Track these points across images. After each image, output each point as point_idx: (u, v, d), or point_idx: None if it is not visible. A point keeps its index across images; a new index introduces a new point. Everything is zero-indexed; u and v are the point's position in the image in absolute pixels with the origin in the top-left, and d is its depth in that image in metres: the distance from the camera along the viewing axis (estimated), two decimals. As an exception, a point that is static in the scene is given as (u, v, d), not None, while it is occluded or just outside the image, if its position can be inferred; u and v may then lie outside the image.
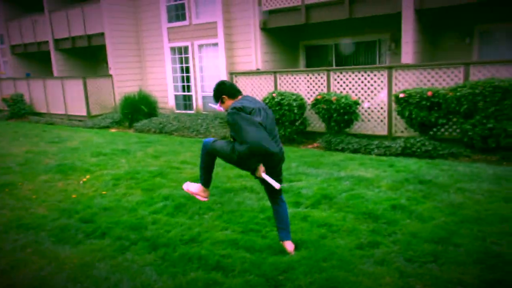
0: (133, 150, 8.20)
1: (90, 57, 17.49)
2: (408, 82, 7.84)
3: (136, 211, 4.81)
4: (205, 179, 4.02)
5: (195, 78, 13.32)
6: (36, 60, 18.91)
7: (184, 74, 13.69)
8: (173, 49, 13.73)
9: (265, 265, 3.41)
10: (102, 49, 15.44)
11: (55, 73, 16.80)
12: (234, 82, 10.35)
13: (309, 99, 8.97)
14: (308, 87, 9.18)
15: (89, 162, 7.29)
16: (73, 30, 15.71)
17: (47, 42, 16.80)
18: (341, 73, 8.67)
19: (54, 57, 16.72)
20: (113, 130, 12.00)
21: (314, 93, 9.04)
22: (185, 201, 5.01)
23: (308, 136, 9.13)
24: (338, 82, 8.71)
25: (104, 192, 5.58)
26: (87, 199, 5.30)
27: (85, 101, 13.91)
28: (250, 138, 3.20)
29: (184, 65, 13.59)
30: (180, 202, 4.97)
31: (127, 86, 14.38)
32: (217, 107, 3.70)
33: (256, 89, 10.05)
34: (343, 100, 7.96)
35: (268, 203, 4.74)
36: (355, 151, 7.55)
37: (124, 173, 6.45)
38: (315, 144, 8.60)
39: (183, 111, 13.72)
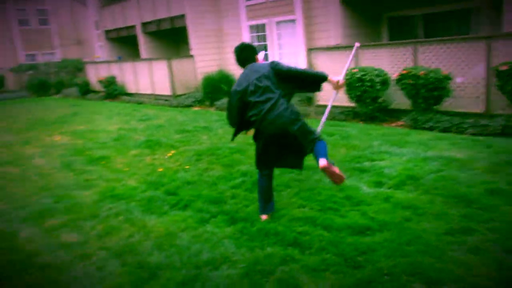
0: (214, 127, 8.45)
1: (173, 39, 18.23)
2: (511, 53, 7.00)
3: (216, 186, 4.96)
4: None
5: (273, 56, 13.25)
6: (126, 44, 20.20)
7: (263, 52, 13.67)
8: (251, 27, 13.75)
9: (344, 245, 3.31)
10: (183, 30, 15.99)
11: (143, 56, 17.83)
12: (312, 59, 10.10)
13: (393, 74, 8.45)
14: (392, 61, 8.63)
15: (174, 138, 7.66)
16: (158, 13, 16.45)
17: (135, 26, 17.83)
18: (430, 45, 8.01)
19: (142, 40, 17.72)
20: (195, 109, 12.46)
21: (398, 68, 8.48)
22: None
23: (391, 114, 8.65)
24: (426, 56, 8.07)
25: (187, 167, 5.83)
26: (172, 173, 5.58)
27: (170, 81, 14.58)
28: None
29: (262, 43, 13.57)
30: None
31: (207, 66, 14.78)
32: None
33: (336, 65, 9.71)
34: (432, 74, 7.36)
35: (347, 182, 4.61)
36: (445, 130, 6.98)
37: (206, 149, 6.68)
38: (399, 123, 8.11)
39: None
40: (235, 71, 14.55)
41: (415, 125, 7.50)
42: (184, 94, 14.43)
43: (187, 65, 14.96)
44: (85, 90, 18.56)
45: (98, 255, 3.52)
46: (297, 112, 3.69)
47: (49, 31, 25.38)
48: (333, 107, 9.94)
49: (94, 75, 18.59)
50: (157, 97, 15.36)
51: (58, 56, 25.59)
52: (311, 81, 3.91)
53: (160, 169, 5.81)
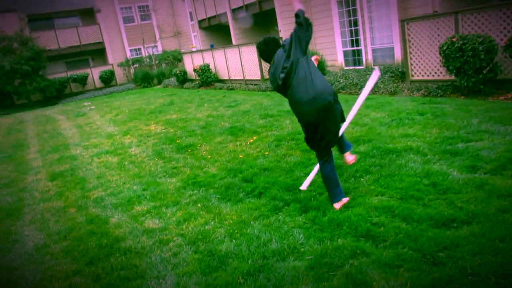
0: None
1: (261, 22, 18.28)
2: None
3: (293, 172, 4.86)
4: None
5: (363, 31, 12.52)
6: (218, 32, 20.84)
7: (352, 28, 13.02)
8: (339, 3, 13.14)
9: (423, 239, 2.99)
10: (271, 13, 15.91)
11: (234, 42, 18.24)
12: (406, 30, 9.27)
13: (502, 40, 7.37)
14: (501, 25, 7.52)
15: (257, 124, 7.71)
16: (246, -2, 16.60)
17: (225, 13, 18.25)
18: (547, 1, 6.79)
19: (232, 26, 18.11)
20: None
21: (508, 32, 7.37)
22: (342, 163, 4.80)
23: (499, 86, 7.59)
24: (543, 15, 6.86)
25: (266, 153, 5.82)
26: (251, 160, 5.61)
27: (259, 65, 14.67)
28: None
29: (352, 18, 12.89)
30: (336, 164, 4.77)
31: (296, 47, 14.51)
32: None
33: (432, 36, 8.79)
34: (549, 36, 6.25)
35: (435, 167, 4.17)
36: None
37: (287, 134, 6.59)
38: (509, 95, 7.08)
39: (353, 67, 13.18)
40: (324, 50, 14.12)
41: (528, 97, 6.49)
42: (273, 77, 14.41)
43: (275, 48, 14.90)
44: (183, 79, 19.64)
45: (175, 241, 3.70)
46: None
47: (151, 25, 27.29)
48: (428, 81, 9.11)
49: (190, 64, 19.56)
50: (247, 82, 15.62)
51: (159, 48, 27.45)
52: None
53: (241, 156, 5.89)
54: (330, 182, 3.77)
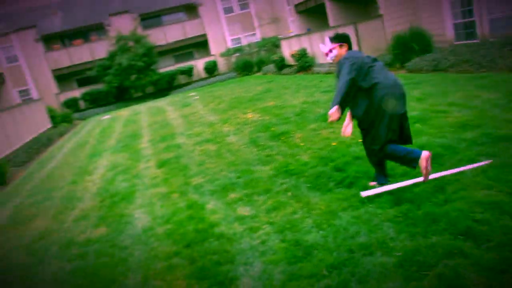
0: (398, 93, 7.80)
1: (360, 2, 17.46)
2: None
3: (389, 162, 4.60)
4: None
5: None
6: (315, 15, 20.45)
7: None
8: (447, -29, 11.89)
9: (536, 241, 2.63)
10: (371, -11, 15.09)
11: (331, 23, 17.75)
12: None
13: None
14: None
15: (353, 109, 7.44)
16: (344, -23, 15.99)
17: (322, -6, 17.83)
18: None
19: (329, 7, 17.62)
20: (384, 73, 11.73)
21: None
22: (443, 151, 4.43)
23: None
24: None
25: (360, 140, 5.59)
26: (344, 147, 5.46)
27: (357, 46, 14.10)
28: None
29: (463, -15, 11.60)
30: (437, 152, 4.41)
31: (398, 24, 13.60)
32: (328, 48, 3.86)
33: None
34: None
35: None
36: None
37: (383, 119, 6.25)
38: None
39: (465, 42, 11.89)
40: (431, 25, 12.96)
41: None
42: (373, 58, 13.75)
43: (375, 26, 14.18)
44: (281, 65, 19.80)
45: (264, 229, 3.80)
46: None
47: (249, 14, 27.90)
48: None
49: (288, 50, 19.60)
50: (345, 64, 15.13)
51: (258, 36, 27.98)
52: None
53: (334, 143, 5.77)
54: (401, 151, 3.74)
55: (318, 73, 15.49)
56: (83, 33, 26.30)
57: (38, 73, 24.54)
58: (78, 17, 26.07)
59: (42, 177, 8.60)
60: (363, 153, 5.00)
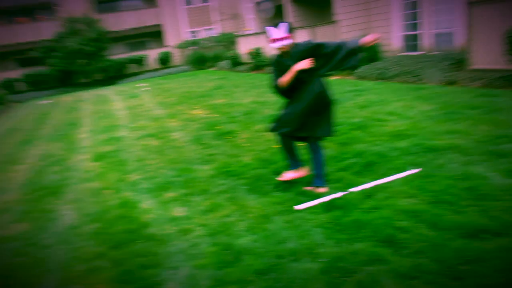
0: (344, 99, 8.00)
1: (319, 5, 17.76)
2: None
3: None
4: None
5: (424, 13, 11.74)
6: (275, 14, 20.54)
7: (411, 11, 12.25)
8: (398, -15, 12.39)
9: (447, 249, 2.78)
10: (327, -6, 15.38)
11: (287, 25, 17.91)
12: (470, 14, 8.54)
13: None
14: None
15: (298, 112, 7.54)
16: (302, -20, 16.17)
17: (280, -5, 17.94)
18: None
19: (290, 9, 17.77)
20: (334, 78, 12.01)
21: None
22: (377, 159, 4.58)
23: None
24: None
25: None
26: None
27: (310, 49, 14.32)
28: None
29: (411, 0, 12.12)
30: (371, 161, 4.57)
31: (351, 31, 13.99)
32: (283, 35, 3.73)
33: (499, 21, 8.01)
34: None
35: (476, 169, 3.85)
36: None
37: (326, 124, 6.39)
38: None
39: (410, 53, 12.46)
40: (381, 34, 13.45)
41: None
42: (325, 62, 14.03)
43: (330, 31, 14.47)
44: (236, 62, 19.72)
45: (196, 231, 3.73)
46: None
47: (209, 8, 27.55)
48: (490, 70, 8.35)
49: (244, 47, 19.55)
50: (298, 66, 15.34)
51: (216, 31, 27.71)
52: None
53: (276, 146, 5.80)
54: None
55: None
56: (29, 11, 24.73)
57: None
58: (23, -6, 24.50)
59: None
60: (304, 157, 5.09)
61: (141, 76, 23.35)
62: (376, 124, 6.04)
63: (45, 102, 17.42)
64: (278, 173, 4.76)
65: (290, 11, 17.70)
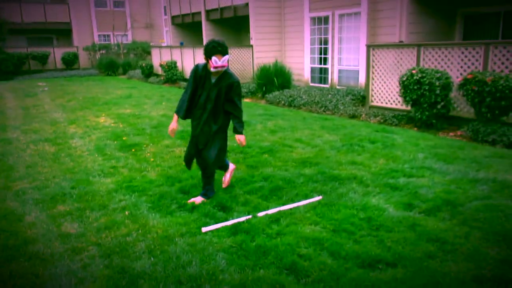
0: (254, 122, 8.14)
1: (235, 27, 18.12)
2: None
3: (233, 188, 4.66)
4: None
5: (332, 50, 12.61)
6: (190, 30, 20.48)
7: (322, 46, 13.08)
8: (313, 19, 13.18)
9: (345, 279, 2.86)
10: (246, 19, 15.78)
11: (204, 42, 17.95)
12: (371, 55, 9.37)
13: (457, 78, 7.56)
14: (459, 63, 7.71)
15: (210, 130, 7.46)
16: (222, 1, 16.39)
17: (199, 13, 17.96)
18: (504, 47, 7.01)
19: (205, 27, 17.83)
20: (246, 100, 12.22)
21: (465, 71, 7.57)
22: (284, 185, 4.67)
23: (451, 122, 7.78)
24: (499, 59, 7.09)
25: (211, 163, 5.59)
26: (194, 169, 5.36)
27: (226, 69, 14.46)
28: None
29: (323, 36, 12.96)
30: (278, 185, 4.64)
31: (265, 57, 14.47)
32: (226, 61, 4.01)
33: (395, 65, 8.92)
34: (501, 82, 6.45)
35: (373, 200, 4.11)
36: (510, 145, 6.10)
37: (237, 146, 6.39)
38: (458, 132, 7.25)
39: (318, 85, 13.23)
40: (293, 64, 14.12)
41: (476, 137, 6.65)
42: (239, 84, 14.26)
43: (245, 54, 14.78)
44: (148, 73, 19.11)
45: (89, 251, 3.39)
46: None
47: (123, 13, 26.49)
48: (386, 109, 9.23)
49: (158, 59, 19.07)
50: (212, 84, 15.37)
51: (129, 38, 26.68)
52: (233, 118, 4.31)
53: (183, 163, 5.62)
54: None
55: (184, 87, 15.34)
56: None
57: None
58: None
59: None
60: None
61: (42, 74, 21.44)
62: (284, 149, 6.20)
63: None
64: (184, 192, 4.61)
65: (205, 29, 17.78)
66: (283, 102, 11.11)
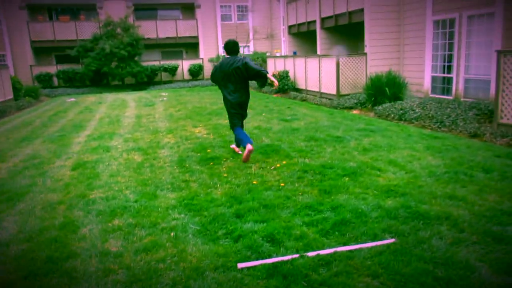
0: (348, 138, 7.36)
1: (350, 34, 17.23)
2: None
3: (293, 217, 4.09)
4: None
5: (458, 57, 10.95)
6: (305, 39, 20.18)
7: (446, 52, 11.47)
8: (436, 23, 11.68)
9: None
10: (361, 26, 14.82)
11: (318, 51, 17.44)
12: (502, 63, 7.75)
13: None
14: None
15: (296, 147, 6.95)
16: (337, 8, 15.73)
17: (314, 21, 17.55)
18: None
19: (319, 35, 17.34)
20: (354, 112, 11.36)
21: None
22: (352, 218, 3.93)
23: None
24: None
25: (282, 184, 5.09)
26: (261, 189, 4.93)
27: (336, 79, 13.74)
28: None
29: (447, 41, 11.36)
30: (345, 218, 3.92)
31: (380, 65, 13.34)
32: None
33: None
34: None
35: (463, 254, 3.15)
36: None
37: (318, 165, 5.77)
38: None
39: (440, 96, 11.63)
40: (411, 73, 12.74)
41: None
42: (348, 95, 13.41)
43: (358, 63, 13.85)
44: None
45: (117, 274, 3.22)
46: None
47: (246, 26, 27.53)
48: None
49: (272, 68, 19.19)
50: (322, 95, 14.77)
51: (251, 49, 27.59)
52: (259, 76, 6.05)
53: (254, 182, 5.24)
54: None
55: (294, 98, 15.09)
56: (72, 11, 25.51)
57: (17, 41, 23.63)
58: (71, -7, 25.34)
59: (-41, 153, 7.85)
60: (275, 201, 4.56)
61: (171, 85, 23.44)
62: (370, 173, 5.36)
63: (70, 99, 17.63)
64: (239, 215, 4.21)
65: (320, 38, 17.27)
66: (392, 115, 9.98)
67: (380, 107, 10.77)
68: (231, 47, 6.28)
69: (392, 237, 3.54)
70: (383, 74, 11.83)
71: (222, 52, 27.30)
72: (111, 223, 4.20)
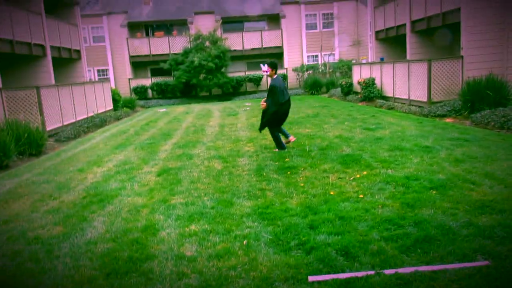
0: (438, 148, 6.78)
1: (443, 37, 16.02)
2: None
3: (370, 231, 3.84)
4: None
5: None
6: (394, 45, 19.26)
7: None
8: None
9: None
10: (456, 27, 13.73)
11: (408, 56, 16.52)
12: None
13: None
14: None
15: (379, 157, 6.58)
16: (429, 9, 14.78)
17: (404, 25, 16.68)
18: None
19: (409, 39, 16.43)
20: (447, 120, 10.52)
21: None
22: (438, 235, 3.57)
23: None
24: None
25: (361, 196, 4.84)
26: (338, 200, 4.73)
27: (427, 85, 12.86)
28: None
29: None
30: (429, 235, 3.59)
31: (479, 69, 12.20)
32: (265, 69, 7.58)
33: None
34: None
35: None
36: None
37: (402, 176, 5.39)
38: None
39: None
40: None
41: None
42: (441, 102, 12.44)
43: (452, 67, 12.84)
44: (347, 91, 18.89)
45: (190, 278, 3.28)
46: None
47: (332, 33, 27.17)
48: None
49: (358, 76, 18.63)
50: (411, 102, 13.93)
51: (336, 56, 27.12)
52: None
53: (332, 192, 5.04)
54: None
55: (380, 106, 14.44)
56: (166, 27, 27.41)
57: (118, 56, 26.03)
58: (166, 10, 27.24)
59: (65, 158, 8.78)
60: (352, 213, 4.34)
61: (256, 95, 23.93)
62: (462, 186, 4.85)
63: (161, 110, 18.88)
64: (313, 227, 4.06)
65: (410, 42, 16.35)
66: (492, 123, 9.03)
67: (478, 114, 9.83)
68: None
69: (485, 259, 3.13)
70: (482, 78, 10.79)
71: (307, 61, 27.26)
72: (188, 228, 4.32)
